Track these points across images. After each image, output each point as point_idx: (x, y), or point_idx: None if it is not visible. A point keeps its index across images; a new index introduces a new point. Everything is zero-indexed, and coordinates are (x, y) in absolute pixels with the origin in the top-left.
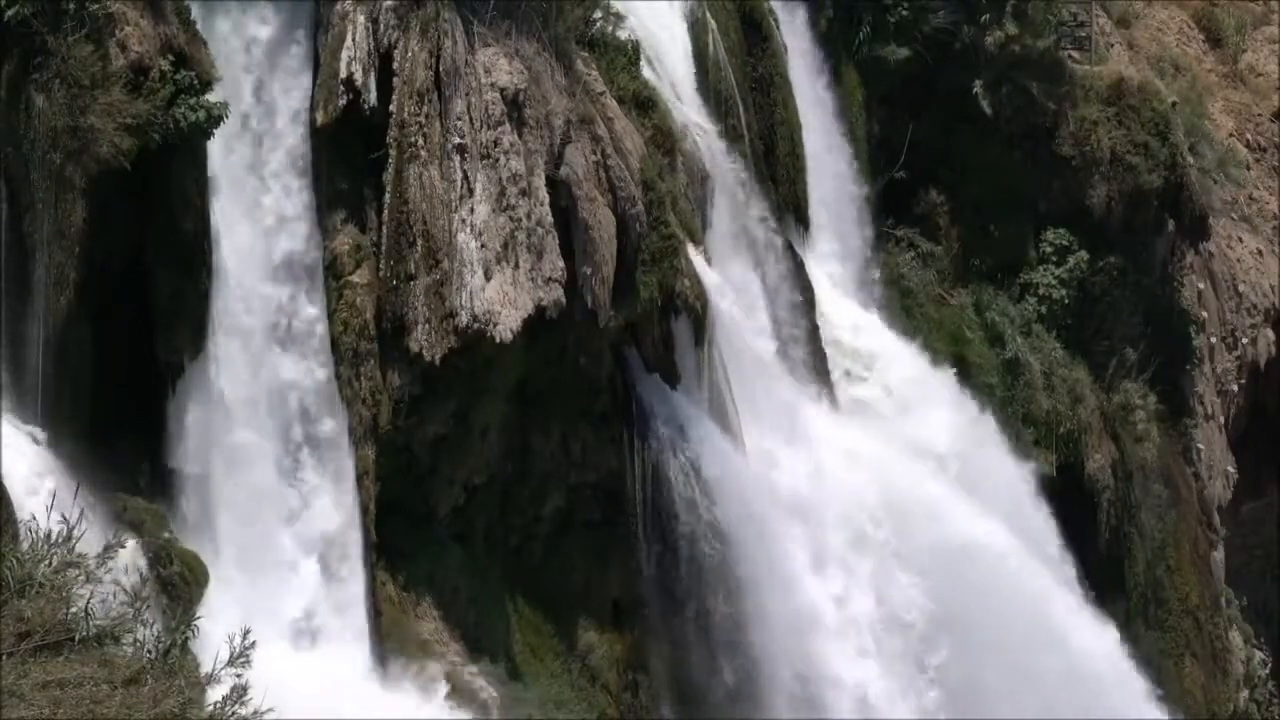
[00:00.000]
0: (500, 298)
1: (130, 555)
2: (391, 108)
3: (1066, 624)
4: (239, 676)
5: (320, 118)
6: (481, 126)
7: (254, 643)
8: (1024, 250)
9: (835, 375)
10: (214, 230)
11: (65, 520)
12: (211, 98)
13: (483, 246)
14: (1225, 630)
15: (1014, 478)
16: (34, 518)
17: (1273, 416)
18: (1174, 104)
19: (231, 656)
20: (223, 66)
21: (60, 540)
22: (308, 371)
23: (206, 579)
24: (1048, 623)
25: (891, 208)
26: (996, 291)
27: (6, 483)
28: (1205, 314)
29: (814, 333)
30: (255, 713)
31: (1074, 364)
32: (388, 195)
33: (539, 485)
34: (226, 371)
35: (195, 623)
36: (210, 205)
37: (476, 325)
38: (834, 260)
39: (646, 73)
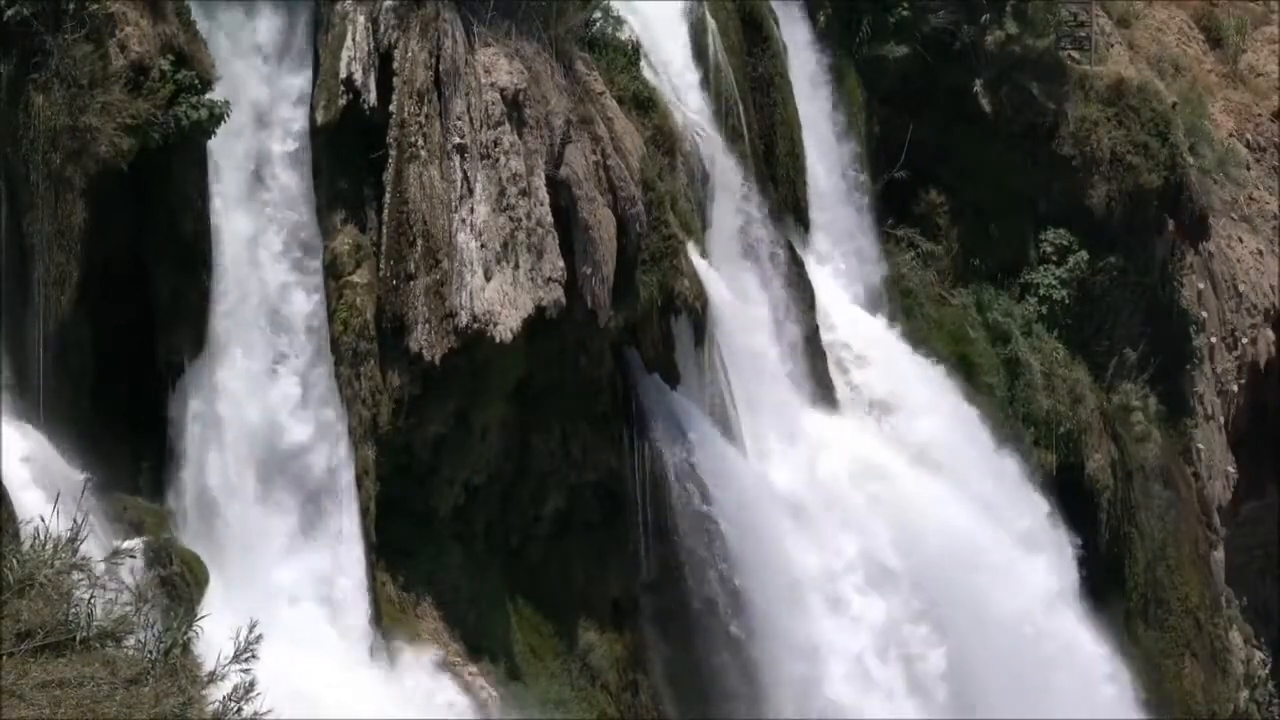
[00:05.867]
0: (500, 298)
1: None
2: (391, 108)
3: (1065, 625)
4: (245, 672)
5: (320, 118)
6: (481, 126)
7: (260, 638)
8: (1024, 250)
9: (835, 375)
10: (214, 230)
11: (76, 521)
12: (213, 96)
13: (483, 246)
14: (1225, 630)
15: (1011, 477)
16: (43, 519)
17: (1273, 416)
18: (1174, 104)
19: (237, 653)
20: (222, 66)
21: (65, 543)
22: (308, 370)
23: (207, 579)
24: (1046, 619)
25: (891, 208)
26: (997, 291)
27: (6, 483)
28: (1205, 314)
29: (814, 333)
30: (256, 714)
31: (1074, 364)
32: (388, 195)
33: (539, 485)
34: (226, 371)
35: (198, 623)
36: (210, 205)
37: (476, 325)
38: (834, 260)
39: (646, 73)
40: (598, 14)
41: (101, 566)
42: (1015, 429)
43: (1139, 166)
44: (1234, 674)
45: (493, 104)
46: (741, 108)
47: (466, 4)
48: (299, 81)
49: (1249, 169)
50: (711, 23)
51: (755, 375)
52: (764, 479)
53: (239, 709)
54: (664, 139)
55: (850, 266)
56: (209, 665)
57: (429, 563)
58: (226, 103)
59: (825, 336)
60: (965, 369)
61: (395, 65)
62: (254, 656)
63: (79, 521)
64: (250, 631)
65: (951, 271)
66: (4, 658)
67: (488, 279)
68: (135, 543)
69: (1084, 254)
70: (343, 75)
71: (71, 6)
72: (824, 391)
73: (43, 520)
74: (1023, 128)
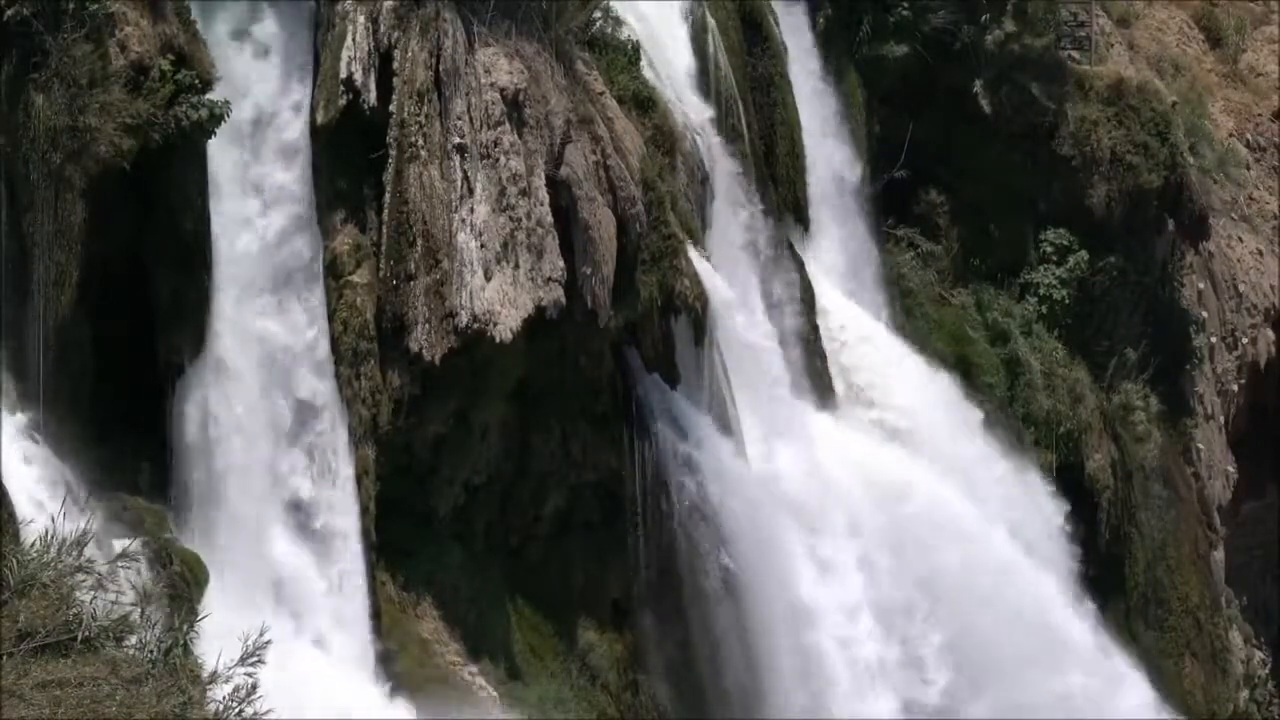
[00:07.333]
0: (500, 298)
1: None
2: (391, 108)
3: (1064, 621)
4: (250, 676)
5: (320, 118)
6: (481, 126)
7: (269, 642)
8: (1024, 250)
9: (834, 375)
10: (214, 230)
11: (82, 527)
12: (213, 96)
13: (483, 246)
14: (1225, 630)
15: (1012, 478)
16: (53, 519)
17: (1273, 416)
18: (1174, 104)
19: (244, 656)
20: (222, 66)
21: (70, 544)
22: (308, 371)
23: (207, 579)
24: (1046, 620)
25: (891, 208)
26: (997, 291)
27: (6, 483)
28: (1205, 314)
29: (814, 332)
30: (256, 714)
31: (1074, 364)
32: (388, 195)
33: (539, 485)
34: (227, 371)
35: (199, 623)
36: (210, 205)
37: (476, 325)
38: (834, 260)
39: (646, 73)
40: (598, 14)
41: (105, 568)
42: (1015, 429)
43: (1139, 166)
44: (1234, 674)
45: (493, 104)
46: (741, 108)
47: (466, 4)
48: (298, 81)
49: (1249, 169)
50: (711, 23)
51: (755, 375)
52: (764, 478)
53: (240, 710)
54: (664, 139)
55: (850, 266)
56: (209, 665)
57: (429, 563)
58: (226, 103)
59: (825, 336)
60: (965, 369)
61: (395, 65)
62: (261, 660)
63: (85, 527)
64: (259, 635)
65: (951, 271)
66: (4, 658)
67: (488, 279)
68: (135, 543)
69: (1084, 254)
70: (343, 75)
71: (71, 6)
72: (823, 391)
73: (52, 520)
74: (1023, 128)
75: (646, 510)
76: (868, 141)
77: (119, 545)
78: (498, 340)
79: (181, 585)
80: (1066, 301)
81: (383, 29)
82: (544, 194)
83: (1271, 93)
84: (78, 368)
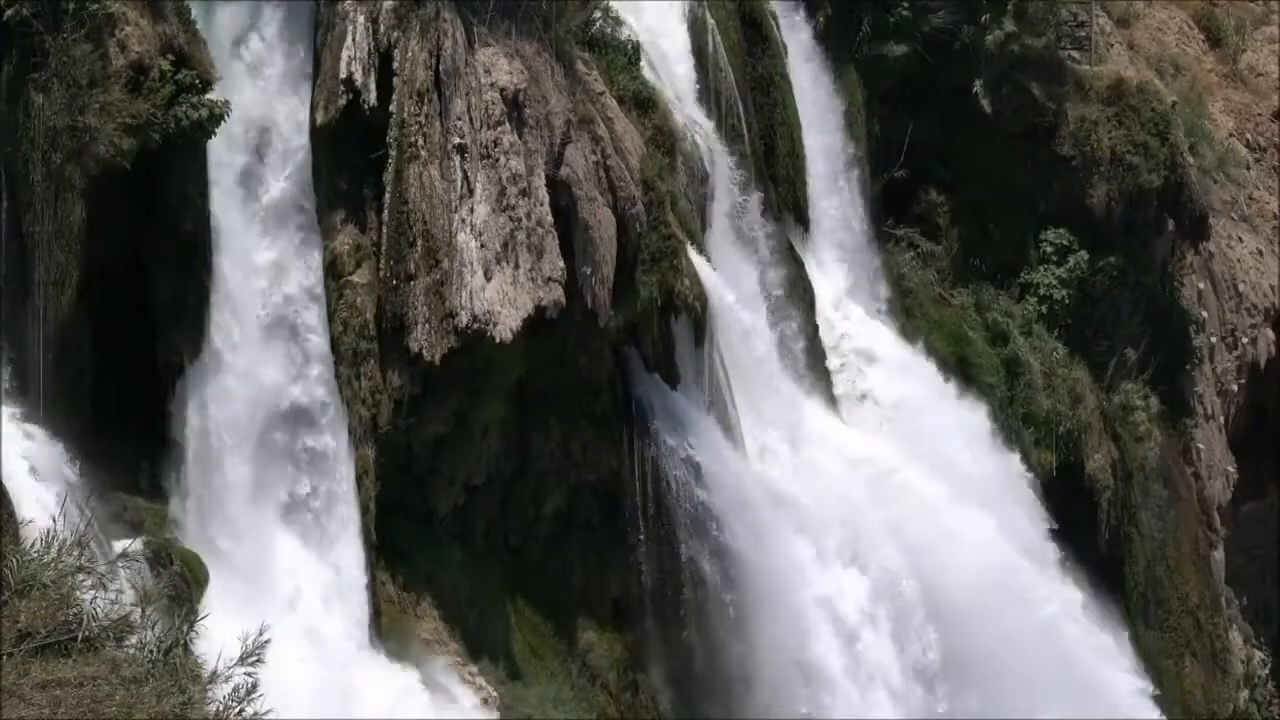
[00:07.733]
0: (500, 298)
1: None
2: (391, 108)
3: (1059, 619)
4: (250, 675)
5: (320, 118)
6: (481, 126)
7: (268, 641)
8: (1024, 250)
9: (834, 374)
10: (214, 230)
11: (80, 525)
12: (213, 96)
13: (483, 246)
14: (1225, 630)
15: (1008, 476)
16: (54, 520)
17: (1273, 416)
18: (1174, 104)
19: (243, 655)
20: (222, 66)
21: (70, 544)
22: (308, 371)
23: (206, 579)
24: (1041, 618)
25: (891, 208)
26: (997, 291)
27: (6, 483)
28: (1205, 314)
29: (813, 333)
30: (256, 714)
31: (1074, 364)
32: (388, 195)
33: (539, 485)
34: (226, 371)
35: (199, 623)
36: (210, 205)
37: (476, 325)
38: (834, 260)
39: (646, 73)
40: (598, 14)
41: (105, 568)
42: (1015, 429)
43: (1139, 166)
44: (1234, 674)
45: (493, 104)
46: (741, 108)
47: (466, 4)
48: (299, 81)
49: (1249, 169)
50: (711, 23)
51: (755, 375)
52: (763, 479)
53: (240, 710)
54: (664, 139)
55: (850, 266)
56: (210, 665)
57: (429, 563)
58: (226, 102)
59: (824, 336)
60: (965, 369)
61: (395, 65)
62: (260, 660)
63: (84, 526)
64: (259, 635)
65: (951, 271)
66: (4, 658)
67: (488, 279)
68: (135, 543)
69: (1084, 254)
70: (343, 75)
71: (71, 6)
72: (823, 391)
73: (54, 520)
74: (1023, 128)
75: (646, 510)
76: (868, 141)
77: (119, 545)
78: (498, 340)
79: (181, 585)
80: (1066, 301)
81: (383, 29)
82: (544, 194)
83: (1271, 93)
84: (78, 367)
